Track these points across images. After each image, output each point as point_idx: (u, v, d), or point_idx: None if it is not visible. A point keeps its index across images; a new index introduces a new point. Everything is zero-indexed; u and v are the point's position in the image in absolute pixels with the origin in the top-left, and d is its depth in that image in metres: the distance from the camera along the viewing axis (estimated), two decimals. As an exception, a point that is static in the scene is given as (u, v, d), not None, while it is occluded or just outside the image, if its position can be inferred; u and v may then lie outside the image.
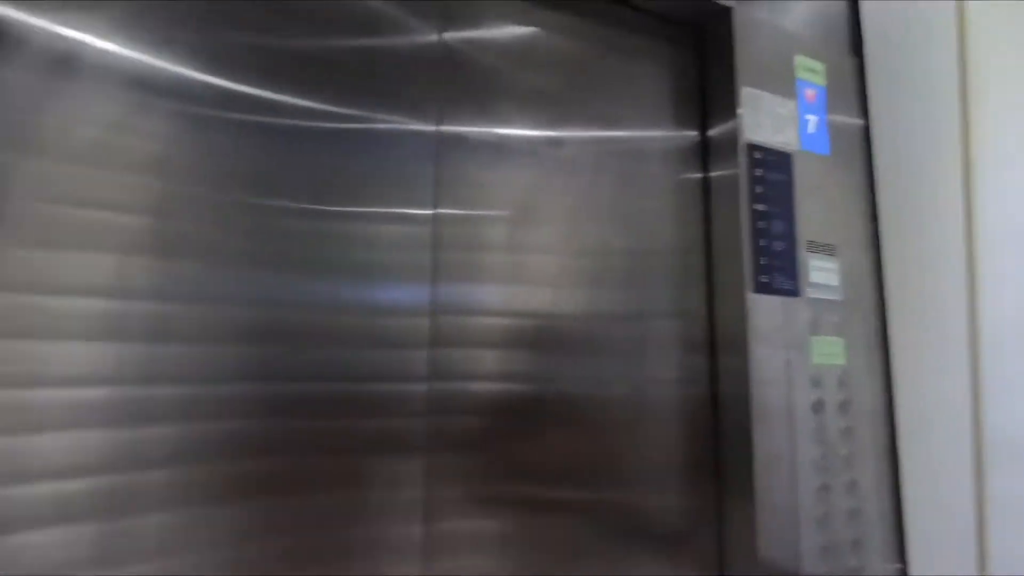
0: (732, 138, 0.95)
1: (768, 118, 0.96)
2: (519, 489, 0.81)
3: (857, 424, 0.94)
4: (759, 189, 0.93)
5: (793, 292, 0.92)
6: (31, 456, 0.59)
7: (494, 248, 0.84)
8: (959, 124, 0.98)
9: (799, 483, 0.88)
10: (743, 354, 0.88)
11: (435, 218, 0.81)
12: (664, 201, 0.97)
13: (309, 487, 0.70)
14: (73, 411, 0.61)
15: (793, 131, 0.98)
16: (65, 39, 0.64)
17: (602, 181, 0.92)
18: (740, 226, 0.91)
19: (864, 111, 1.07)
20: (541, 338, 0.84)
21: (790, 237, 0.94)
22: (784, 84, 0.99)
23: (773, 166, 0.95)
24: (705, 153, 1.00)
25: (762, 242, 0.91)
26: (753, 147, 0.94)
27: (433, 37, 0.83)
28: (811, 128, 1.00)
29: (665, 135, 0.99)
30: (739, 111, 0.94)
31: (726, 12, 0.98)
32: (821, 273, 0.96)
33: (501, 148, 0.86)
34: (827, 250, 0.97)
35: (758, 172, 0.93)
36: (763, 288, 0.90)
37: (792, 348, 0.90)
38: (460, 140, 0.83)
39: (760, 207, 0.92)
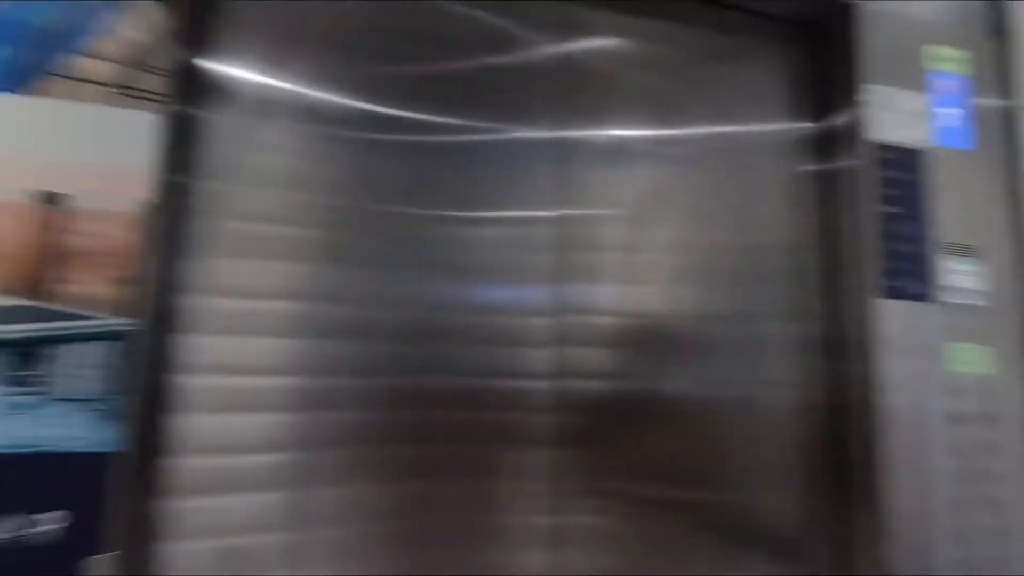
0: (852, 135, 0.92)
1: (895, 114, 0.92)
2: (638, 487, 0.84)
3: (1003, 438, 0.88)
4: (886, 189, 0.89)
5: (925, 297, 0.88)
6: (239, 432, 0.74)
7: (612, 248, 0.88)
8: None
9: (931, 495, 0.84)
10: (868, 360, 0.85)
11: (559, 220, 0.87)
12: (778, 197, 0.95)
13: (447, 473, 0.79)
14: (264, 396, 0.74)
15: (924, 127, 0.93)
16: (263, 87, 0.78)
17: (714, 178, 0.93)
18: (862, 227, 0.89)
19: (1011, 98, 0.99)
20: (657, 337, 0.88)
21: (922, 239, 0.89)
22: (913, 78, 0.94)
23: (901, 164, 0.91)
24: (823, 149, 0.97)
25: (890, 244, 0.88)
26: (879, 146, 0.90)
27: (553, 49, 0.90)
28: (948, 121, 0.94)
29: (779, 129, 0.98)
30: (862, 108, 0.91)
31: (846, 9, 0.95)
32: (961, 277, 0.90)
33: (619, 150, 0.90)
34: (968, 252, 0.91)
35: (885, 172, 0.90)
36: (892, 292, 0.87)
37: (924, 355, 0.86)
38: (580, 144, 0.89)
39: (888, 208, 0.89)
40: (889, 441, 0.83)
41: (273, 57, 0.79)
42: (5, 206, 0.62)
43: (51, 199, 0.63)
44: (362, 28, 0.82)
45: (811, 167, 0.97)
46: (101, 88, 0.65)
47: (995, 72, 0.99)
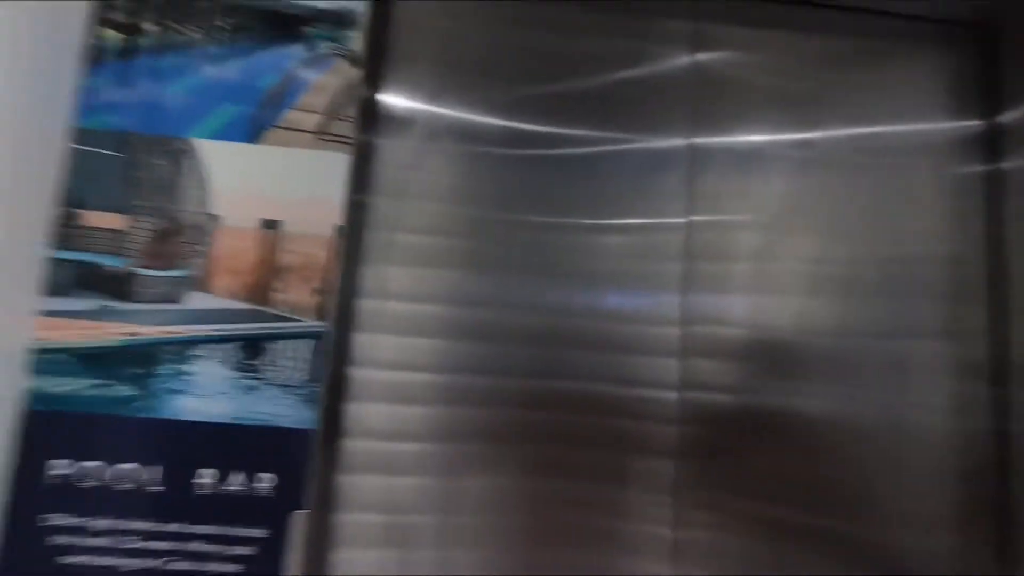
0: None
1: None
2: (765, 507, 0.83)
3: None
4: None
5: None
6: (399, 421, 0.84)
7: (743, 257, 0.87)
8: None
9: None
10: (1037, 385, 0.78)
11: (688, 226, 0.87)
12: (933, 202, 0.89)
13: (574, 475, 0.83)
14: (419, 390, 0.84)
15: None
16: (428, 113, 0.89)
17: (859, 182, 0.89)
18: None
19: None
20: (789, 352, 0.86)
21: (1110, 254, 0.80)
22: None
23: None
24: (990, 148, 0.90)
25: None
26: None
27: (685, 60, 0.91)
28: None
29: (938, 128, 0.91)
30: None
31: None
32: None
33: (753, 156, 0.89)
34: None
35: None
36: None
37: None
38: (712, 150, 0.89)
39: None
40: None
41: (436, 87, 0.88)
42: (242, 232, 0.80)
43: (271, 225, 0.80)
44: (510, 54, 0.90)
45: (975, 168, 0.90)
46: (307, 135, 0.81)
47: None
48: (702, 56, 0.91)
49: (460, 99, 0.88)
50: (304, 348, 0.79)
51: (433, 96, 0.88)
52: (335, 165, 0.80)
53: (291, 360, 0.78)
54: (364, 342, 0.84)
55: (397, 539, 0.81)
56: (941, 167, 0.90)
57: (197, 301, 0.79)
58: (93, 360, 0.76)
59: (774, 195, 0.88)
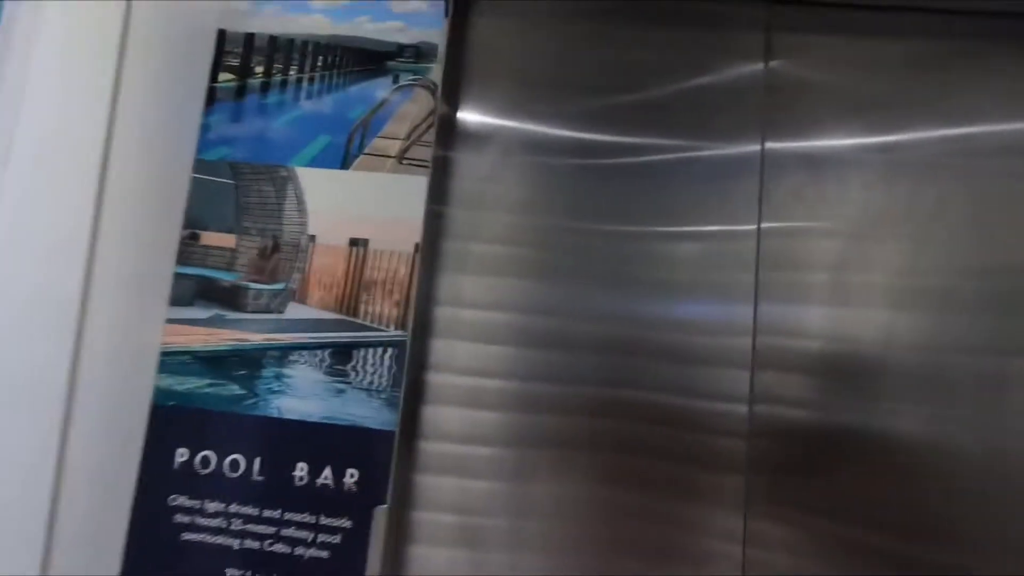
0: None
1: None
2: (840, 529, 0.79)
3: None
4: None
5: None
6: (473, 425, 0.86)
7: (820, 266, 0.84)
8: None
9: None
10: None
11: (759, 233, 0.85)
12: None
13: (642, 486, 0.82)
14: (491, 395, 0.86)
15: None
16: (502, 127, 0.92)
17: (952, 186, 0.83)
18: None
19: None
20: (870, 367, 0.82)
21: None
22: None
23: None
24: None
25: None
26: None
27: (758, 66, 0.89)
28: None
29: None
30: None
31: None
32: None
33: (829, 160, 0.86)
34: None
35: None
36: None
37: None
38: (784, 156, 0.87)
39: None
40: None
41: (511, 103, 0.92)
42: (334, 249, 0.89)
43: (359, 244, 0.89)
44: (581, 69, 0.92)
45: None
46: (390, 159, 0.89)
47: None
48: (775, 63, 0.90)
49: (533, 113, 0.91)
50: (387, 355, 0.86)
51: (508, 111, 0.92)
52: (415, 187, 0.87)
53: (375, 366, 0.86)
54: (440, 348, 0.88)
55: (468, 539, 0.84)
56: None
57: (295, 311, 0.89)
58: (209, 362, 0.87)
59: (853, 202, 0.85)
